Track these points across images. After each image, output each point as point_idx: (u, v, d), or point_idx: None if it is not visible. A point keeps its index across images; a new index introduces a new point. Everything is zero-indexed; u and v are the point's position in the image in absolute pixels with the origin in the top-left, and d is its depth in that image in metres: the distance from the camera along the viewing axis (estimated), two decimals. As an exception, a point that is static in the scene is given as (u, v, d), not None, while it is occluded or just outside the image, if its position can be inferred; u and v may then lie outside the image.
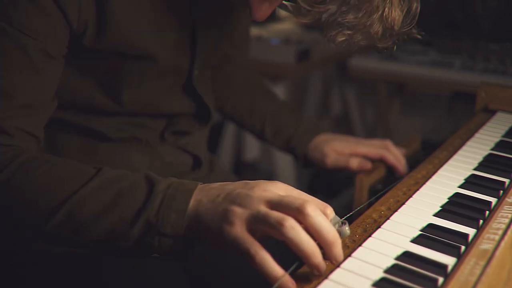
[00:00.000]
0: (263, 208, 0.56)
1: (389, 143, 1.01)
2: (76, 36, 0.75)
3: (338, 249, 0.55)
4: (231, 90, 1.12)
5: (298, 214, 0.55)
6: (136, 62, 0.80)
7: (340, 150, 1.02)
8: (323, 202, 0.58)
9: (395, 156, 1.00)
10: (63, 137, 0.84)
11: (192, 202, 0.60)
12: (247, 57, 1.14)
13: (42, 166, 0.66)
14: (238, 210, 0.57)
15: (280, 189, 0.59)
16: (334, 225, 0.57)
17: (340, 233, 0.57)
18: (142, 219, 0.61)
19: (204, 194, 0.61)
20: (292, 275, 0.55)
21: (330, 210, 0.58)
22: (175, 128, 0.91)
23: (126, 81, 0.82)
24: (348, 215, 0.67)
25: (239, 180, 1.03)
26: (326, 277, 0.55)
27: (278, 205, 0.56)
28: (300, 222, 0.55)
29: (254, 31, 1.99)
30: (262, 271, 0.54)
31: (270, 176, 2.20)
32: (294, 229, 0.54)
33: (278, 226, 0.54)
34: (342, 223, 0.58)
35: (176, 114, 0.90)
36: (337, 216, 0.58)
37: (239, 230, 0.56)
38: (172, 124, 0.91)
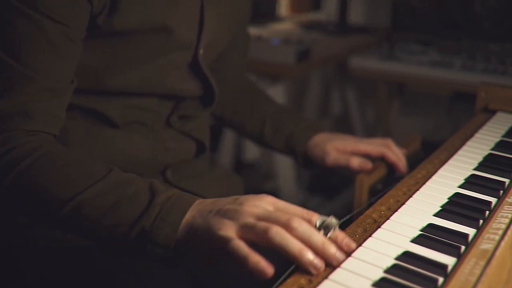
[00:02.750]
0: (252, 220, 0.60)
1: (390, 141, 1.01)
2: (92, 16, 0.76)
3: (332, 250, 0.57)
4: (231, 95, 1.12)
5: (286, 228, 0.58)
6: (148, 36, 0.81)
7: (341, 148, 1.02)
8: (308, 211, 0.62)
9: (396, 154, 1.00)
10: (69, 121, 0.84)
11: (186, 218, 0.64)
12: (245, 60, 1.15)
13: (58, 161, 0.70)
14: (228, 222, 0.60)
15: (268, 203, 0.62)
16: (322, 223, 0.60)
17: (328, 225, 0.60)
18: (138, 226, 0.64)
19: (197, 210, 0.64)
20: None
21: (315, 217, 0.61)
22: (181, 112, 0.92)
23: (134, 58, 0.82)
24: (348, 216, 0.67)
25: (240, 178, 1.04)
26: (326, 277, 0.55)
27: (267, 217, 0.60)
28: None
29: (254, 31, 1.99)
30: (234, 252, 0.58)
31: (270, 176, 2.21)
32: (279, 233, 0.57)
33: (264, 233, 0.57)
34: (327, 217, 0.61)
35: (182, 94, 0.90)
36: (321, 216, 0.61)
37: (229, 231, 0.59)
38: (178, 108, 0.91)
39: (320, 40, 2.02)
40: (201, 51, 0.88)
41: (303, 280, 0.55)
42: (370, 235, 0.62)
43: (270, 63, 1.81)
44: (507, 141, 0.92)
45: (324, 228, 0.60)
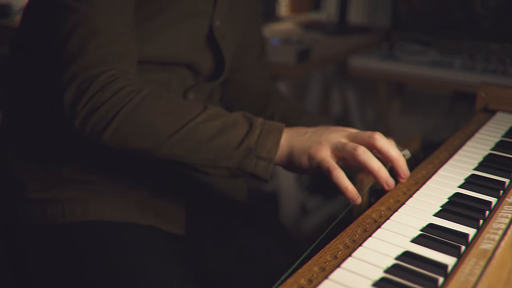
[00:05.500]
0: (343, 140, 0.75)
1: (391, 141, 1.01)
2: None
3: (402, 163, 0.74)
4: (247, 97, 1.12)
5: (370, 140, 0.74)
6: (167, 2, 0.85)
7: None
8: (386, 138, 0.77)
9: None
10: None
11: (284, 136, 0.78)
12: (263, 61, 1.15)
13: (163, 96, 0.78)
14: (324, 141, 0.76)
15: (352, 129, 0.78)
16: (397, 148, 0.76)
17: (404, 155, 0.76)
18: (244, 145, 0.76)
19: (294, 132, 0.78)
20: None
21: (391, 141, 0.77)
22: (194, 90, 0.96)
23: (155, 26, 0.85)
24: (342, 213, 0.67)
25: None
26: (326, 277, 0.55)
27: (354, 137, 0.76)
28: (370, 149, 0.74)
29: (254, 31, 1.98)
30: (337, 182, 0.73)
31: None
32: (365, 153, 0.72)
33: (353, 150, 0.73)
34: (402, 149, 0.77)
35: (197, 66, 0.94)
36: (397, 146, 0.78)
37: (325, 153, 0.75)
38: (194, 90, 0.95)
39: (320, 40, 2.02)
40: (217, 23, 0.92)
41: (303, 280, 0.55)
42: (370, 235, 0.62)
43: (270, 63, 1.81)
44: (507, 141, 0.92)
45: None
